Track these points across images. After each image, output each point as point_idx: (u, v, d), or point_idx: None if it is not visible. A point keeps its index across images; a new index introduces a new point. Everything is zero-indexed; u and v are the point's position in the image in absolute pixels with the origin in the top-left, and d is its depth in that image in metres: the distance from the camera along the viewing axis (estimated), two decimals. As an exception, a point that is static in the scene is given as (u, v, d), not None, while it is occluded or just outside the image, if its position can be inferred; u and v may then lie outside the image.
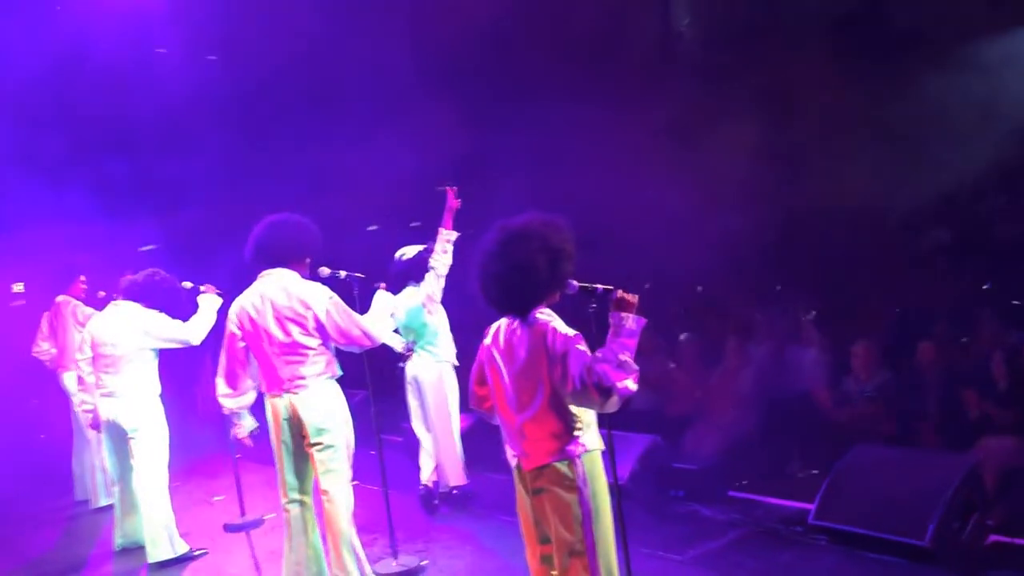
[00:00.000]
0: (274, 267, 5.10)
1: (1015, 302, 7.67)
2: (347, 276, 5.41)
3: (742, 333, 8.06)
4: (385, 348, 6.45)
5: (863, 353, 6.99)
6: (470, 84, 10.14)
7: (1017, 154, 8.95)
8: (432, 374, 6.57)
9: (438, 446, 6.63)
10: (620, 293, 3.74)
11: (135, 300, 6.32)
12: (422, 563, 5.71)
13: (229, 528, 6.85)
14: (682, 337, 8.06)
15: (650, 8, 12.57)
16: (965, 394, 6.24)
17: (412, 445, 7.06)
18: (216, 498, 7.71)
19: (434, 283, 6.37)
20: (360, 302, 5.34)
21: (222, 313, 5.77)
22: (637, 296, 3.74)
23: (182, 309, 6.42)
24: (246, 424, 5.35)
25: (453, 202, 6.35)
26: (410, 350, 6.55)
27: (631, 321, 3.68)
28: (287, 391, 5.02)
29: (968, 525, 5.17)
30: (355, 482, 5.23)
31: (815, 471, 6.50)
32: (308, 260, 5.21)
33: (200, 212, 10.14)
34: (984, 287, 8.18)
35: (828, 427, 6.91)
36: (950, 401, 6.42)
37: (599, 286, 3.84)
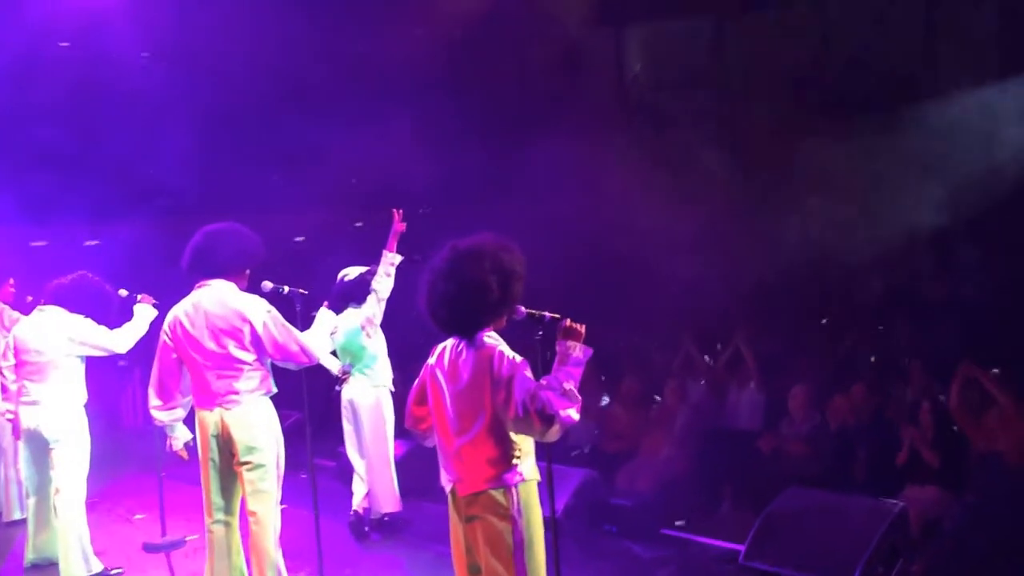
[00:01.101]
0: (212, 278, 4.98)
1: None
2: (290, 291, 5.31)
3: (682, 371, 8.15)
4: (323, 371, 6.35)
5: (800, 396, 7.11)
6: (427, 113, 10.17)
7: (949, 216, 9.27)
8: (368, 398, 6.48)
9: (372, 472, 6.51)
10: (568, 322, 3.73)
11: (61, 304, 6.11)
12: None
13: (148, 548, 6.62)
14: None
15: (605, 54, 12.80)
16: (901, 428, 6.36)
17: (345, 470, 6.92)
18: (137, 516, 7.45)
19: (375, 306, 6.30)
20: (302, 319, 5.24)
21: (156, 325, 5.61)
22: (584, 326, 3.73)
23: (115, 317, 6.23)
24: (180, 436, 5.20)
25: (398, 225, 6.31)
26: (346, 373, 6.45)
27: (578, 350, 3.66)
28: (219, 405, 4.89)
29: (893, 571, 5.27)
30: (283, 505, 5.10)
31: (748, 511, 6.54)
32: (247, 272, 5.10)
33: (153, 219, 9.89)
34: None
35: (762, 467, 6.98)
36: (880, 446, 6.54)
37: (547, 313, 3.83)
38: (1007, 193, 8.99)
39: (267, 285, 5.28)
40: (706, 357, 8.56)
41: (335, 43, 10.07)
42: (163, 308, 5.36)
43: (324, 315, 5.88)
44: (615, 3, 10.93)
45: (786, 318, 9.19)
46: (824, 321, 9.19)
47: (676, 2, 11.47)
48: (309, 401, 5.48)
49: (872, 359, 8.05)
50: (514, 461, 3.68)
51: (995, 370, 6.72)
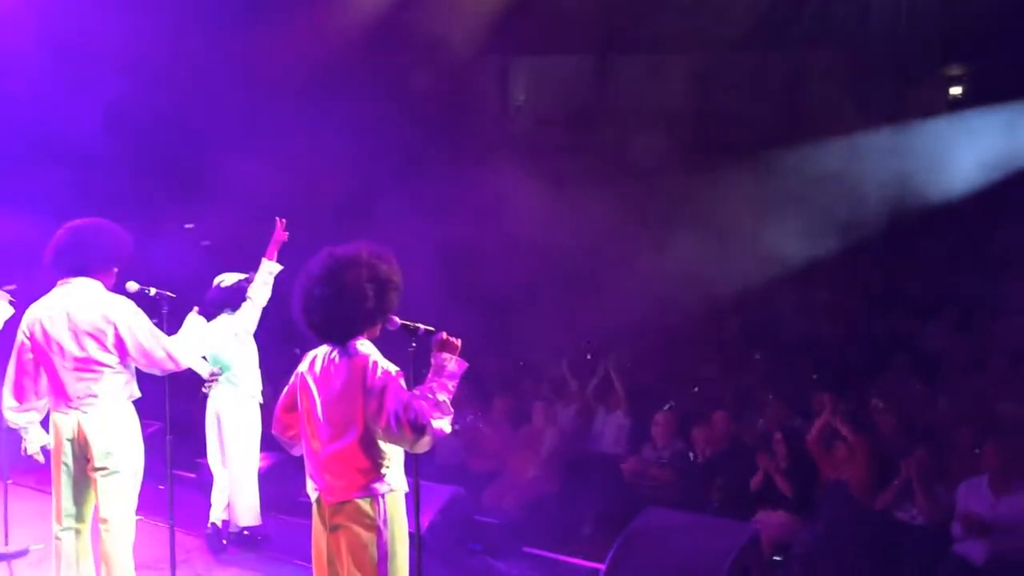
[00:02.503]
0: (76, 276, 4.78)
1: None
2: (157, 294, 5.15)
3: (551, 395, 8.29)
4: (188, 378, 6.18)
5: (664, 422, 7.34)
6: (313, 129, 10.08)
7: (808, 257, 9.80)
8: (235, 408, 6.33)
9: (233, 484, 6.35)
10: (444, 335, 3.76)
11: None
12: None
13: (-11, 558, 6.26)
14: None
15: (490, 83, 13.01)
16: (757, 456, 6.64)
17: (205, 483, 6.73)
18: (-22, 525, 7.03)
19: (250, 314, 6.19)
20: (168, 322, 5.09)
21: (13, 323, 5.34)
22: (460, 340, 3.77)
23: None
24: (34, 439, 4.95)
25: (280, 234, 6.22)
26: (215, 376, 6.29)
27: (453, 363, 3.69)
28: (75, 408, 4.69)
29: (746, 591, 5.46)
30: (139, 517, 4.92)
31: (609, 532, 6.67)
32: (115, 270, 4.92)
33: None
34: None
35: (625, 491, 7.16)
36: (736, 472, 6.81)
37: (421, 326, 3.85)
38: (863, 238, 9.57)
39: (132, 286, 5.11)
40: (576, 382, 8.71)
41: (223, 50, 9.91)
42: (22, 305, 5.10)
43: (193, 320, 5.74)
44: (501, 35, 11.13)
45: (655, 348, 9.48)
46: (688, 351, 9.52)
47: (560, 38, 11.76)
48: (171, 409, 5.32)
49: (732, 390, 8.37)
50: (383, 471, 3.68)
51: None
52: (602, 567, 5.72)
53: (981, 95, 11.00)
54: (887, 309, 10.20)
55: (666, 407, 7.68)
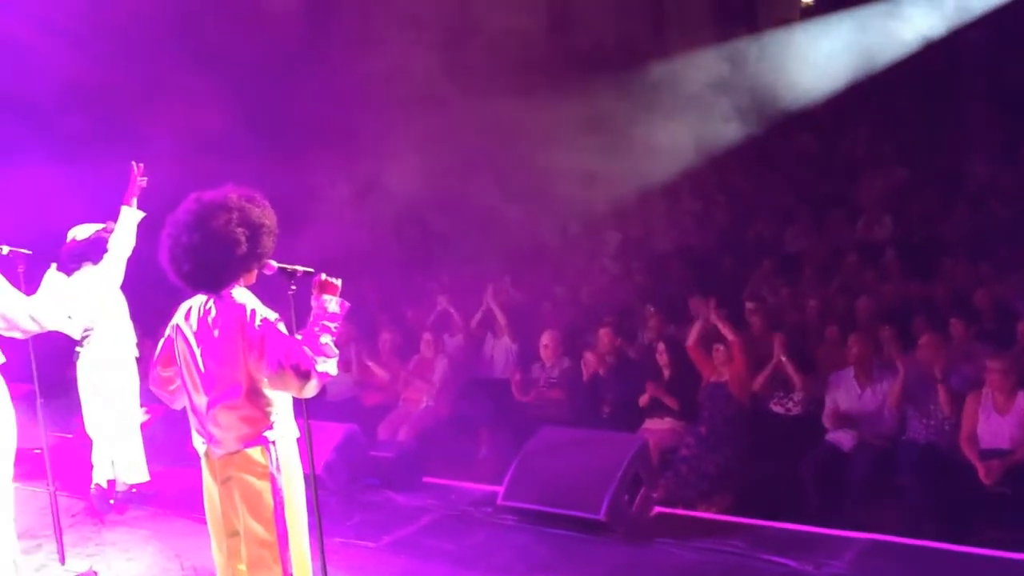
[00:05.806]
0: None
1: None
2: (11, 252, 4.85)
3: (438, 324, 8.28)
4: (53, 338, 5.87)
5: (550, 343, 7.44)
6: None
7: (676, 171, 9.98)
8: (110, 365, 6.07)
9: (116, 442, 6.13)
10: (323, 276, 3.67)
11: None
12: (92, 569, 5.25)
13: None
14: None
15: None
16: (644, 379, 6.81)
17: (85, 443, 6.49)
18: None
19: (114, 266, 5.89)
20: (26, 281, 4.80)
21: None
22: (340, 280, 3.69)
23: None
24: None
25: (138, 180, 5.89)
26: (88, 333, 6.00)
27: (334, 304, 3.61)
28: (-68, 380, 4.41)
29: (636, 498, 5.65)
30: (17, 484, 4.70)
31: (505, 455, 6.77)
32: None
33: None
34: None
35: (517, 412, 7.26)
36: (624, 386, 6.99)
37: (299, 268, 3.74)
38: (727, 147, 9.80)
39: None
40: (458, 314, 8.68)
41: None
42: None
43: (52, 277, 5.43)
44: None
45: (534, 271, 9.55)
46: (568, 270, 9.63)
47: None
48: (40, 370, 5.07)
49: (614, 306, 8.52)
50: (271, 419, 3.60)
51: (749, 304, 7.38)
52: (500, 489, 5.83)
53: (830, 2, 11.33)
54: (752, 215, 10.55)
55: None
